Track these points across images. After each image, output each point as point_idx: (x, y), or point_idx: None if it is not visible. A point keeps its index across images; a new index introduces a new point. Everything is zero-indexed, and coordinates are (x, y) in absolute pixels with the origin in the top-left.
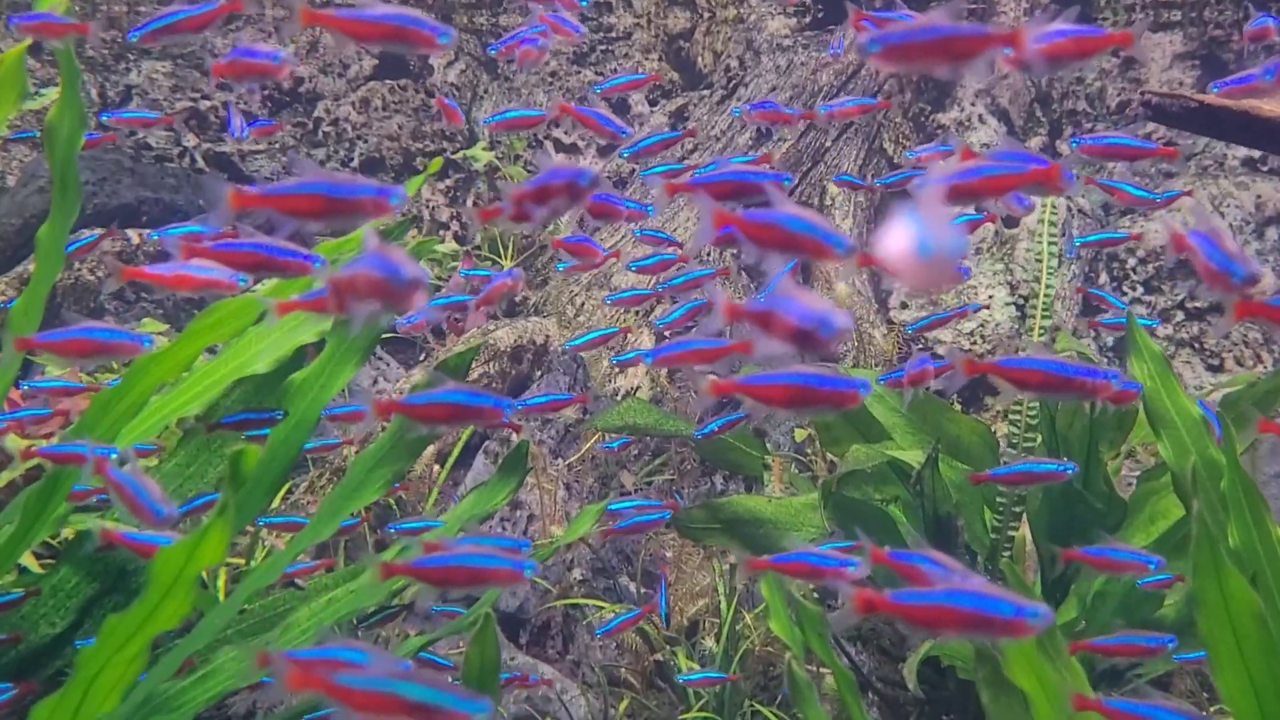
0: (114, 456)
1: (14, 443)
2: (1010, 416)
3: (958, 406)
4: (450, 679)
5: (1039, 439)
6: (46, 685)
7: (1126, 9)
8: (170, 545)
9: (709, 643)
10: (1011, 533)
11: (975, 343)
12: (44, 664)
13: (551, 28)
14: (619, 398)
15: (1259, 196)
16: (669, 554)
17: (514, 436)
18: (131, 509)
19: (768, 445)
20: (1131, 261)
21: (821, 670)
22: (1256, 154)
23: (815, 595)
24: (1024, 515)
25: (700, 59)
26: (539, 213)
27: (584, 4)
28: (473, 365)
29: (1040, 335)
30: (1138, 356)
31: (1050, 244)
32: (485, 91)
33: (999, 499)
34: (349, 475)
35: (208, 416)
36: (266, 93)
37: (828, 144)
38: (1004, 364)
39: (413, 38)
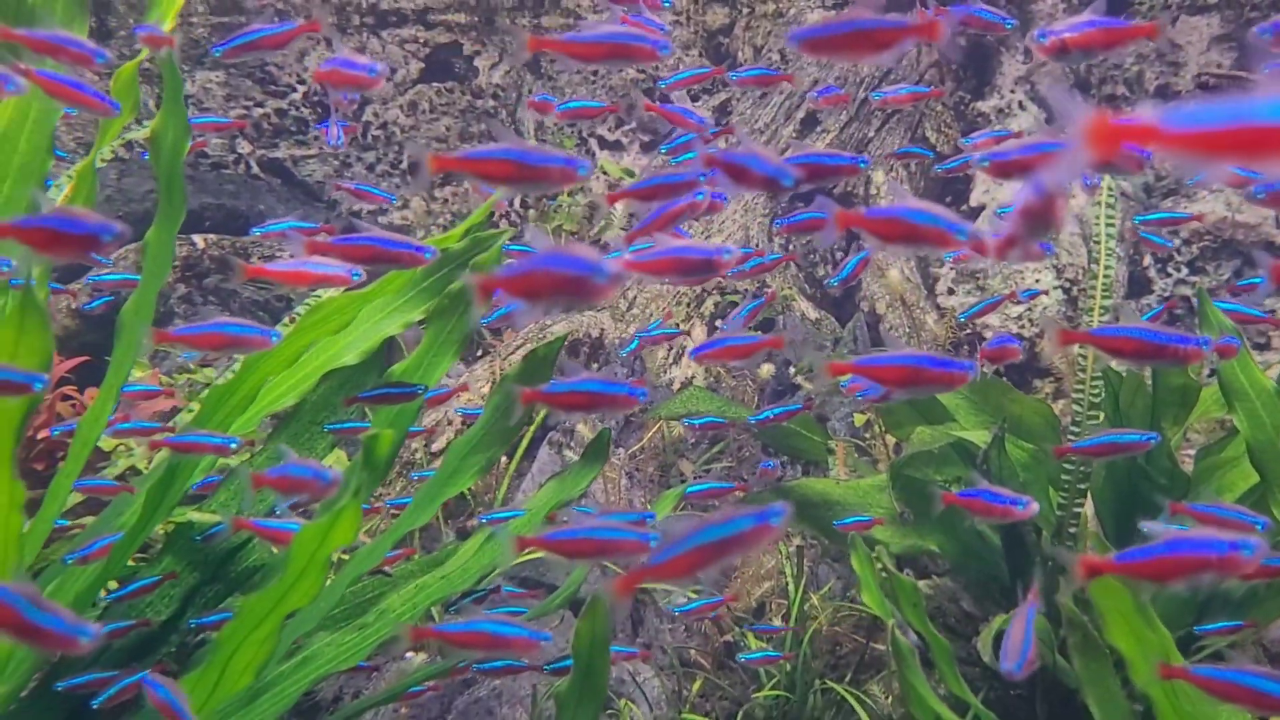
0: (234, 446)
1: (107, 443)
2: (1074, 395)
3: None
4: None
5: (1101, 416)
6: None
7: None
8: (307, 527)
9: (777, 622)
10: (1077, 510)
11: (1024, 327)
12: (154, 649)
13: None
14: (674, 388)
15: None
16: None
17: (579, 428)
18: (296, 486)
19: (829, 430)
20: (1175, 242)
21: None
22: None
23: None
24: (1088, 493)
25: (740, 53)
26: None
27: (666, 4)
28: None
29: (1102, 316)
30: (1209, 330)
31: (1109, 224)
32: (530, 91)
33: (1064, 477)
34: (444, 463)
35: (298, 409)
36: (317, 98)
37: (870, 134)
38: (1099, 333)
39: (634, 53)
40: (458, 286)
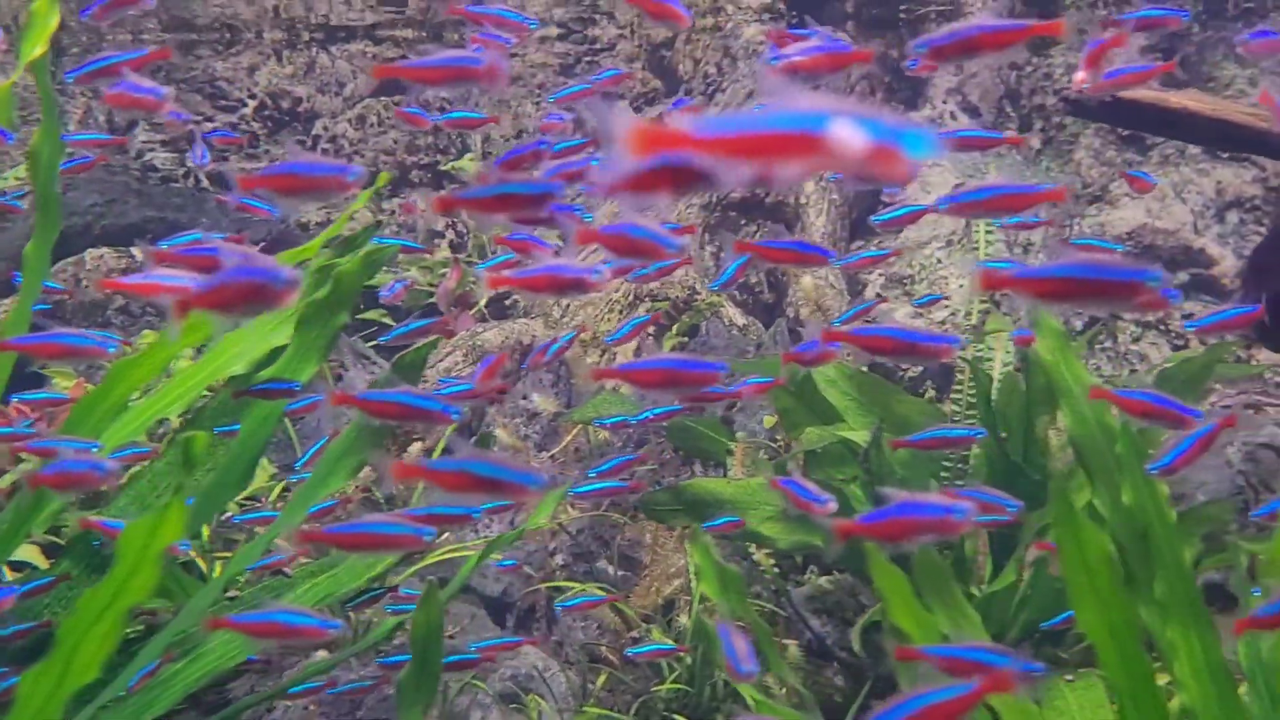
0: (95, 451)
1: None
2: (953, 395)
3: None
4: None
5: (979, 415)
6: None
7: (1090, 5)
8: (132, 524)
9: (684, 619)
10: None
11: (947, 331)
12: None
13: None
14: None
15: (1219, 182)
16: (647, 538)
17: (498, 432)
18: (72, 481)
19: (736, 432)
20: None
21: (785, 642)
22: None
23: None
24: None
25: (681, 66)
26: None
27: (533, 25)
28: (463, 366)
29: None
30: (1039, 332)
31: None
32: (476, 104)
33: (943, 474)
34: (319, 465)
35: (199, 415)
36: (267, 113)
37: None
38: (858, 332)
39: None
40: (324, 294)
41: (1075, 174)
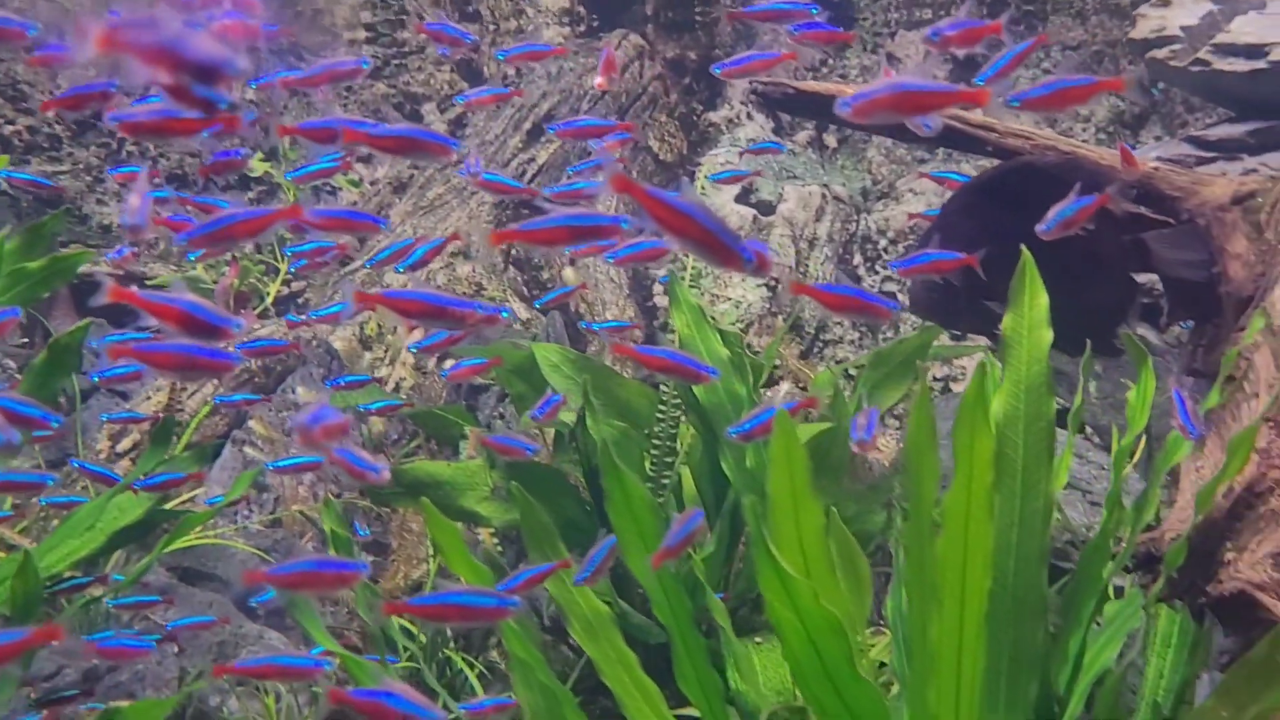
0: None
1: None
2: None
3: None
4: None
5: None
6: None
7: (884, 9)
8: None
9: None
10: (665, 481)
11: (732, 323)
12: None
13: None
14: (388, 386)
15: None
16: (395, 524)
17: (253, 424)
18: None
19: (479, 417)
20: (883, 242)
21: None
22: None
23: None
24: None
25: (486, 68)
26: None
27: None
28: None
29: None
30: (676, 308)
31: None
32: (285, 107)
33: (652, 452)
34: None
35: None
36: (73, 116)
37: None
38: (389, 295)
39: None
40: None
41: (867, 171)
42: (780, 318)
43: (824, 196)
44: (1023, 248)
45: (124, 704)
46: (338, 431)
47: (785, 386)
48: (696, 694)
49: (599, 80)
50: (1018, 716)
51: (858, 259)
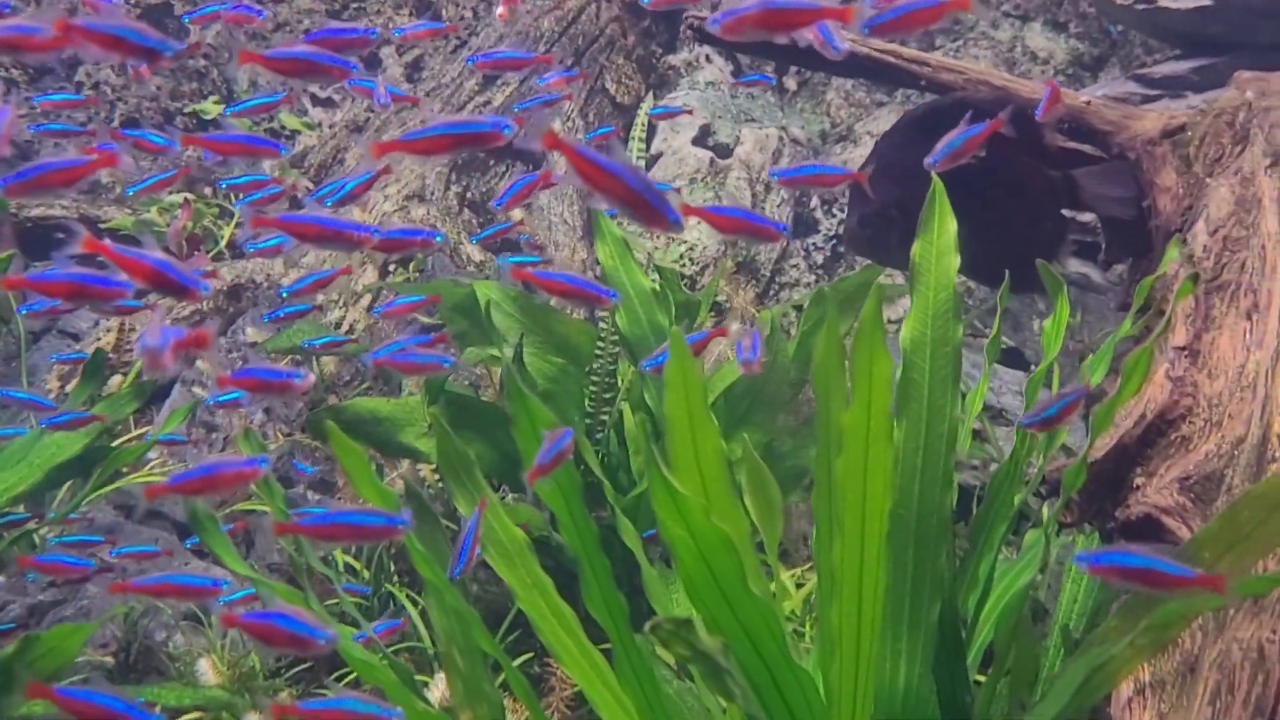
0: None
1: None
2: (601, 314)
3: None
4: None
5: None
6: None
7: None
8: None
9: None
10: (604, 416)
11: (684, 265)
12: None
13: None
14: (342, 329)
15: None
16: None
17: (199, 363)
18: None
19: None
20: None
21: None
22: None
23: None
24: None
25: (445, 12)
26: None
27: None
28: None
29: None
30: (600, 239)
31: None
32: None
33: (591, 389)
34: None
35: None
36: (28, 60)
37: None
38: (283, 219)
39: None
40: None
41: (825, 114)
42: (730, 260)
43: (781, 139)
44: (933, 175)
45: (42, 632)
46: (191, 344)
47: (735, 326)
48: (603, 614)
49: (500, 10)
50: (921, 637)
51: (815, 201)
